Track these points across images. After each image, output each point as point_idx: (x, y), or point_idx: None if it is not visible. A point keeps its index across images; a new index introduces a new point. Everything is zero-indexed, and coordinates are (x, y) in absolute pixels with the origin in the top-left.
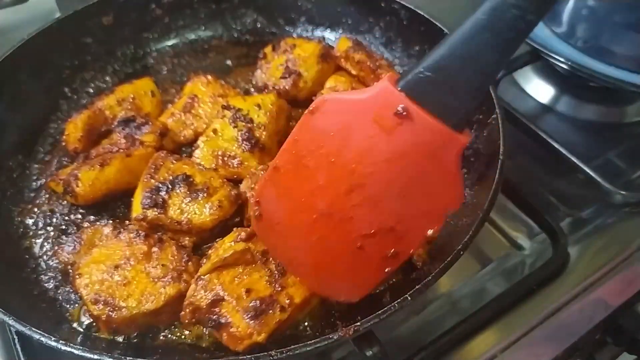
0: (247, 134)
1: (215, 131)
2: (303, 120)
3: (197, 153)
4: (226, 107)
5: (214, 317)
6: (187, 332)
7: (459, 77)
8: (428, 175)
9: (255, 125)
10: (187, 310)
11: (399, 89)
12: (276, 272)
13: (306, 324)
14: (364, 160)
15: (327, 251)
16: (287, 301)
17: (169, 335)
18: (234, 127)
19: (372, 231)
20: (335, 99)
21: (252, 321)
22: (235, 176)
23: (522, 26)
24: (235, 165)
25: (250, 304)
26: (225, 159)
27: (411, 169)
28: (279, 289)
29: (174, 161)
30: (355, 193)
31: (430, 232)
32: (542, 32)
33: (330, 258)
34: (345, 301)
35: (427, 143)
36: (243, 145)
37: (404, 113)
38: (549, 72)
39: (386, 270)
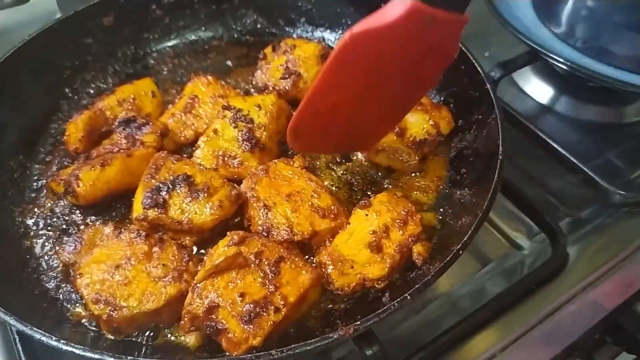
0: (247, 134)
1: (215, 131)
2: (336, 60)
3: (197, 153)
4: (226, 108)
5: (212, 323)
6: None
7: None
8: (435, 53)
9: (255, 125)
10: (186, 318)
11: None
12: (269, 272)
13: (307, 323)
14: (390, 69)
15: (347, 133)
16: (282, 302)
17: (170, 335)
18: (235, 127)
19: (383, 115)
20: (365, 32)
21: (247, 325)
22: (235, 176)
23: None
24: (236, 165)
25: (244, 308)
26: (226, 159)
27: (424, 56)
28: (273, 289)
29: (175, 161)
30: (375, 94)
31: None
32: (541, 33)
33: (350, 135)
34: (360, 151)
35: (444, 33)
36: (243, 145)
37: (432, 21)
38: (548, 73)
39: (389, 129)
